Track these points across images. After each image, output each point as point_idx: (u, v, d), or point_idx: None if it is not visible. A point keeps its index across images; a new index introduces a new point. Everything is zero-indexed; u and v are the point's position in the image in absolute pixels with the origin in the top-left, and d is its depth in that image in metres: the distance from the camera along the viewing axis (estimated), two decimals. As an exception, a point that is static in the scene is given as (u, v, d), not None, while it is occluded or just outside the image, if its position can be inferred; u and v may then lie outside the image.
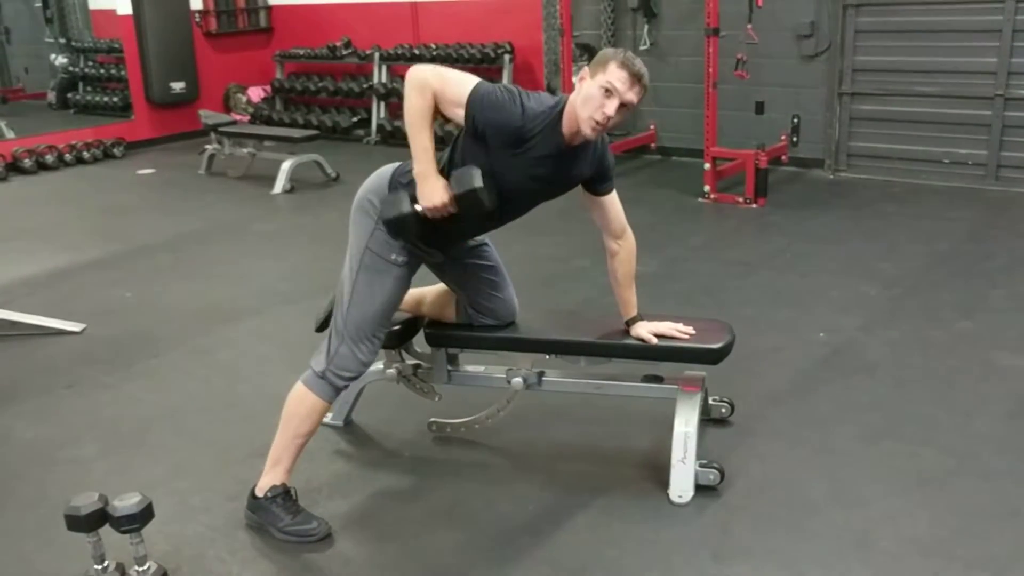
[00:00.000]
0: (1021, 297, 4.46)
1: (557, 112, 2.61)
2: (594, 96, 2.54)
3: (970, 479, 2.94)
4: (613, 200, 2.84)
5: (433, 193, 2.59)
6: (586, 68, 2.61)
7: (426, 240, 2.76)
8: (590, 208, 2.87)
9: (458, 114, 2.57)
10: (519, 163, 2.62)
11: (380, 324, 2.77)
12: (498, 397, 3.21)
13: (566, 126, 2.61)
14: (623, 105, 2.55)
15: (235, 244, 6.16)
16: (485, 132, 2.57)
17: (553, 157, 2.63)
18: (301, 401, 2.79)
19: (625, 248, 2.89)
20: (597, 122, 2.55)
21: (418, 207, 2.61)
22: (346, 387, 2.85)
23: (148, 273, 5.52)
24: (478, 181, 2.56)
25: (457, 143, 2.68)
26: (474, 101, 2.54)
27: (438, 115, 2.62)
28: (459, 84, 2.57)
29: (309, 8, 10.37)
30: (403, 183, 2.72)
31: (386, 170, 2.80)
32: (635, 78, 2.56)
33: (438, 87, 2.57)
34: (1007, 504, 2.80)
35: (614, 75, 2.54)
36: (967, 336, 4.04)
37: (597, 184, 2.80)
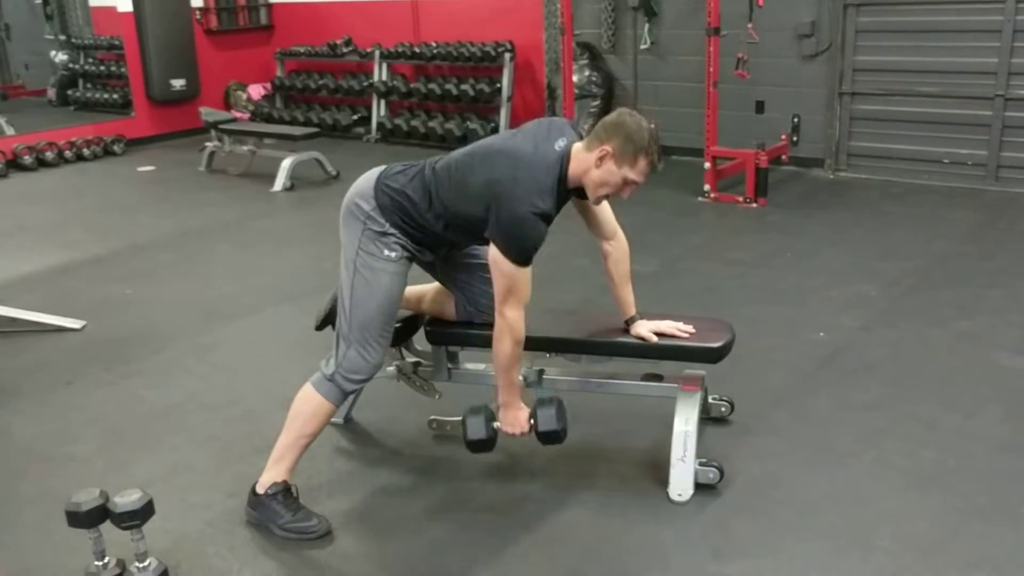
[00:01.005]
0: (1020, 297, 4.46)
1: (560, 171, 2.64)
2: (614, 183, 2.64)
3: (969, 479, 2.95)
4: (603, 204, 2.86)
5: (516, 424, 2.84)
6: (608, 146, 2.59)
7: (417, 242, 2.78)
8: (580, 212, 2.90)
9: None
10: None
11: (384, 323, 2.78)
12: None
13: (571, 180, 2.67)
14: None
15: (235, 242, 6.16)
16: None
17: (561, 203, 2.72)
18: (308, 402, 2.80)
19: (618, 249, 2.92)
20: (607, 198, 2.71)
21: (497, 425, 2.86)
22: (355, 390, 2.86)
23: (148, 270, 5.52)
24: (560, 425, 2.80)
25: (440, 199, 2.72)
26: (524, 258, 2.62)
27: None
28: (515, 277, 2.63)
29: (310, 6, 10.37)
30: (388, 190, 2.74)
31: (371, 174, 2.83)
32: (655, 169, 2.68)
33: (520, 303, 2.67)
34: (1006, 504, 2.81)
35: (642, 172, 2.63)
36: (967, 336, 4.05)
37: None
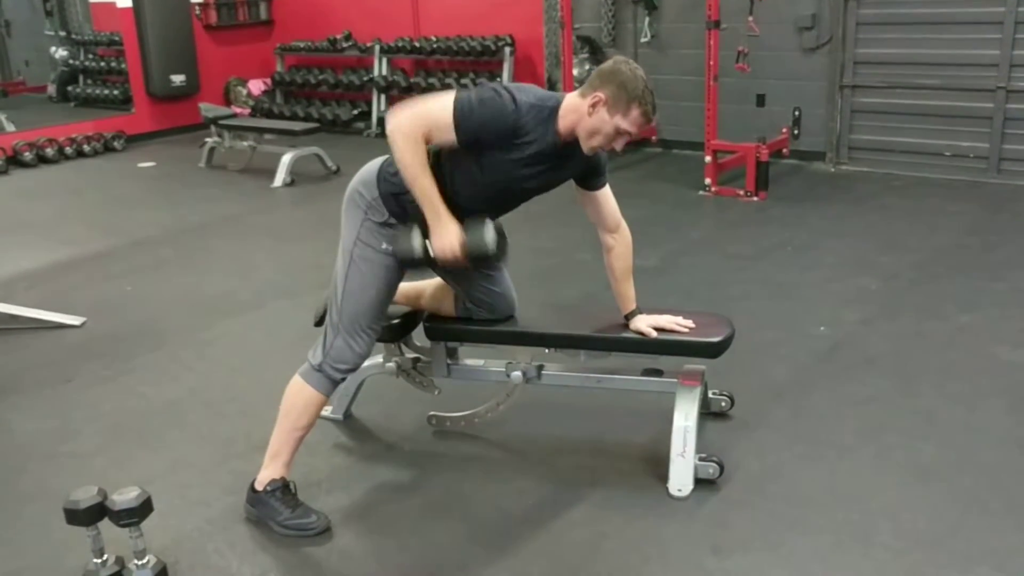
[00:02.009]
0: (1022, 291, 4.45)
1: (551, 108, 2.58)
2: (607, 133, 2.57)
3: (970, 473, 2.94)
4: (607, 195, 2.84)
5: (445, 239, 2.59)
6: (601, 92, 2.53)
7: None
8: (584, 204, 2.86)
9: (451, 137, 2.52)
10: (514, 161, 2.60)
11: (375, 316, 2.77)
12: (498, 391, 3.21)
13: (563, 128, 2.59)
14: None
15: (235, 237, 6.16)
16: (479, 136, 2.53)
17: (548, 154, 2.62)
18: (298, 394, 2.79)
19: (621, 242, 2.89)
20: (601, 148, 2.62)
21: (430, 247, 2.62)
22: (343, 380, 2.84)
23: (148, 266, 5.52)
24: (490, 235, 2.60)
25: (446, 154, 2.64)
26: (462, 109, 2.49)
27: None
28: (442, 108, 2.50)
29: (310, 1, 10.36)
30: (390, 178, 2.71)
31: (374, 163, 2.80)
32: (650, 120, 2.58)
33: (424, 123, 2.51)
34: (1008, 497, 2.80)
35: (635, 123, 2.56)
36: (968, 330, 4.04)
37: (590, 179, 2.79)
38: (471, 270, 2.79)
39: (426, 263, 2.67)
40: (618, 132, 2.57)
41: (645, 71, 2.60)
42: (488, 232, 2.61)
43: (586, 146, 2.61)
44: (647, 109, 2.55)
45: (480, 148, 2.57)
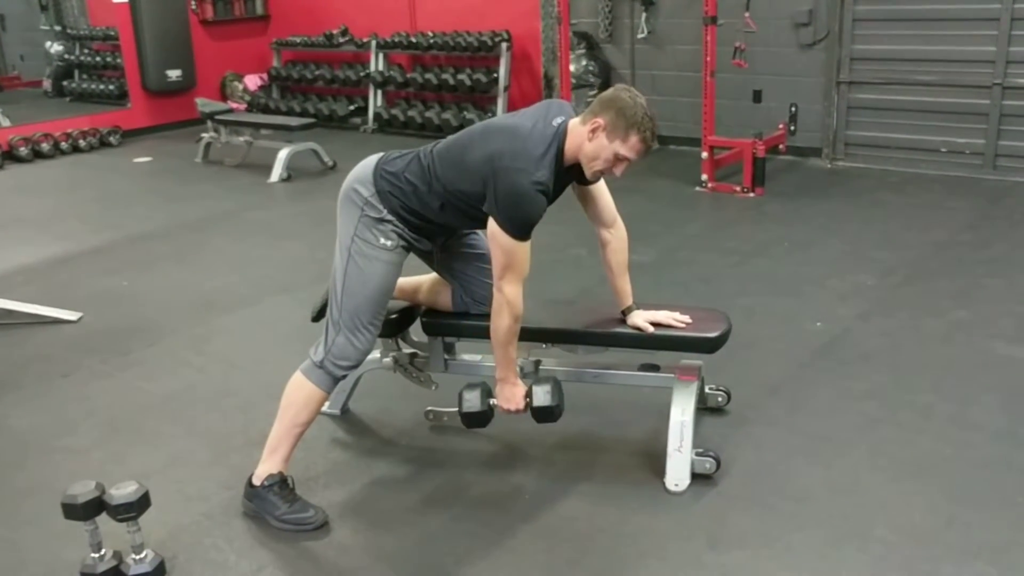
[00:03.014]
0: (1018, 286, 4.46)
1: (558, 145, 2.62)
2: (606, 158, 2.61)
3: (966, 467, 2.95)
4: (602, 190, 2.85)
5: (512, 400, 2.83)
6: (601, 119, 2.57)
7: (414, 230, 2.77)
8: (580, 199, 2.88)
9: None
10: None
11: (375, 312, 2.77)
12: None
13: (567, 154, 2.64)
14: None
15: (232, 233, 6.15)
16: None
17: (557, 182, 2.66)
18: (299, 390, 2.79)
19: (617, 237, 2.90)
20: (602, 174, 2.68)
21: (493, 402, 2.86)
22: (345, 376, 2.85)
23: (145, 262, 5.52)
24: (555, 401, 2.81)
25: (444, 189, 2.70)
26: (522, 233, 2.60)
27: None
28: (520, 252, 2.62)
29: (306, -4, 10.34)
30: (387, 176, 2.74)
31: (370, 160, 2.82)
32: (649, 147, 2.63)
33: (520, 279, 2.66)
34: (1003, 492, 2.81)
35: (634, 149, 2.59)
36: (964, 325, 4.05)
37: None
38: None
39: (489, 418, 2.90)
40: (617, 158, 2.61)
41: (645, 98, 2.63)
42: (551, 392, 2.82)
43: (588, 171, 2.67)
44: (646, 136, 2.59)
45: None
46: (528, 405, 2.84)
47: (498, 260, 2.64)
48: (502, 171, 2.56)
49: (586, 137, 2.59)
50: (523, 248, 2.62)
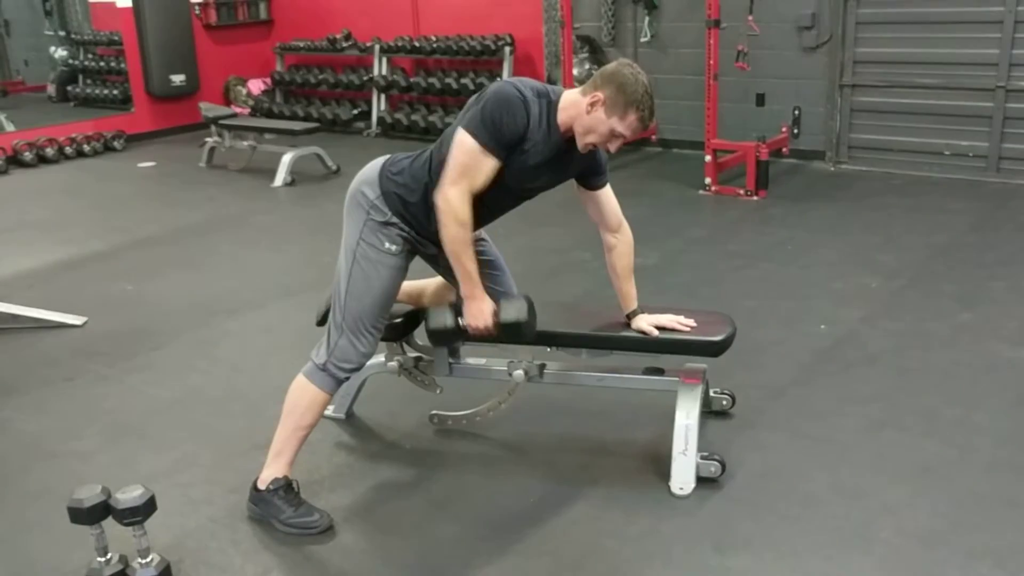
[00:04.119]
0: (1022, 289, 4.45)
1: (549, 100, 2.60)
2: (602, 133, 2.58)
3: (971, 470, 2.95)
4: (608, 194, 2.84)
5: (480, 316, 2.70)
6: (601, 92, 2.54)
7: (420, 232, 2.77)
8: (585, 203, 2.87)
9: (492, 163, 2.56)
10: (518, 162, 2.61)
11: (378, 315, 2.77)
12: (499, 389, 3.22)
13: (562, 121, 2.61)
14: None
15: (236, 237, 6.16)
16: (509, 139, 2.56)
17: (549, 147, 2.63)
18: (302, 393, 2.79)
19: (622, 241, 2.89)
20: (595, 147, 2.64)
21: (462, 322, 2.74)
22: (347, 379, 2.85)
23: (149, 266, 5.52)
24: (524, 314, 2.70)
25: (442, 144, 2.67)
26: (479, 132, 2.52)
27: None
28: (466, 152, 2.53)
29: (309, 0, 10.35)
30: (392, 176, 2.73)
31: (377, 162, 2.81)
32: (646, 126, 2.61)
33: (467, 184, 2.55)
34: (1008, 495, 2.81)
35: (631, 127, 2.57)
36: (968, 328, 4.04)
37: (591, 179, 2.79)
38: (502, 340, 2.82)
39: (457, 335, 2.79)
40: (613, 134, 2.58)
41: (647, 75, 2.60)
42: (520, 307, 2.71)
43: (581, 143, 2.62)
44: (644, 115, 2.56)
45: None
46: (497, 323, 2.71)
47: (456, 161, 2.54)
48: (492, 87, 2.58)
49: (584, 109, 2.56)
50: (488, 161, 2.54)
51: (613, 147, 2.63)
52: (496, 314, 2.71)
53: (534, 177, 2.68)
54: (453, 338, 2.81)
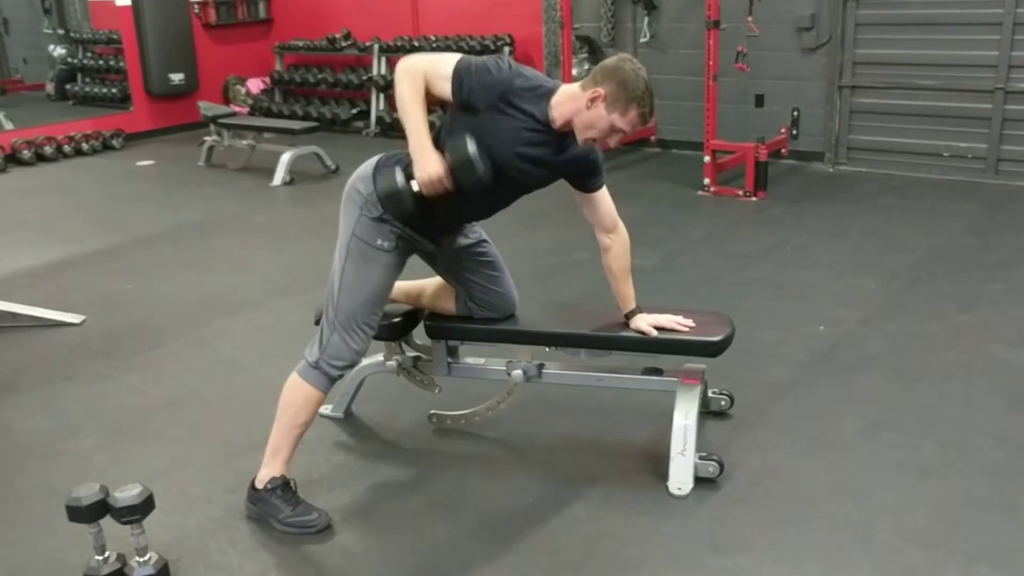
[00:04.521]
0: (1020, 290, 4.46)
1: (547, 89, 2.61)
2: (602, 128, 2.57)
3: (970, 472, 2.95)
4: (603, 196, 2.84)
5: (427, 165, 2.57)
6: (602, 88, 2.53)
7: (416, 225, 2.76)
8: (581, 205, 2.86)
9: (447, 88, 2.57)
10: (507, 128, 2.59)
11: (371, 313, 2.77)
12: (498, 389, 3.22)
13: (560, 115, 2.60)
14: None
15: (235, 236, 6.16)
16: (471, 96, 2.55)
17: (543, 135, 2.61)
18: (296, 391, 2.79)
19: (618, 243, 2.88)
20: (595, 141, 2.63)
21: (414, 183, 2.60)
22: (340, 376, 2.84)
23: (148, 265, 5.52)
24: (472, 147, 2.54)
25: (443, 124, 2.68)
26: (462, 68, 2.56)
27: (431, 103, 2.62)
28: (447, 59, 2.60)
29: (308, -1, 10.36)
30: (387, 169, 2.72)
31: (372, 161, 2.82)
32: (646, 122, 2.61)
33: (427, 67, 2.59)
34: (1007, 496, 2.81)
35: (631, 122, 2.57)
36: (967, 329, 4.04)
37: (586, 180, 2.78)
38: (454, 199, 2.67)
39: (410, 199, 2.62)
40: (613, 129, 2.57)
41: (647, 71, 2.60)
42: (463, 144, 2.55)
43: (580, 138, 2.62)
44: (644, 111, 2.56)
45: (476, 114, 2.57)
46: (448, 168, 2.57)
47: (431, 54, 2.66)
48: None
49: (584, 104, 2.55)
50: (447, 81, 2.56)
51: (613, 142, 2.64)
52: (445, 159, 2.58)
53: (527, 160, 2.64)
54: (407, 200, 2.63)
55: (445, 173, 2.57)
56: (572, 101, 2.58)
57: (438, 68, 2.58)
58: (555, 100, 2.60)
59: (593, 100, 2.54)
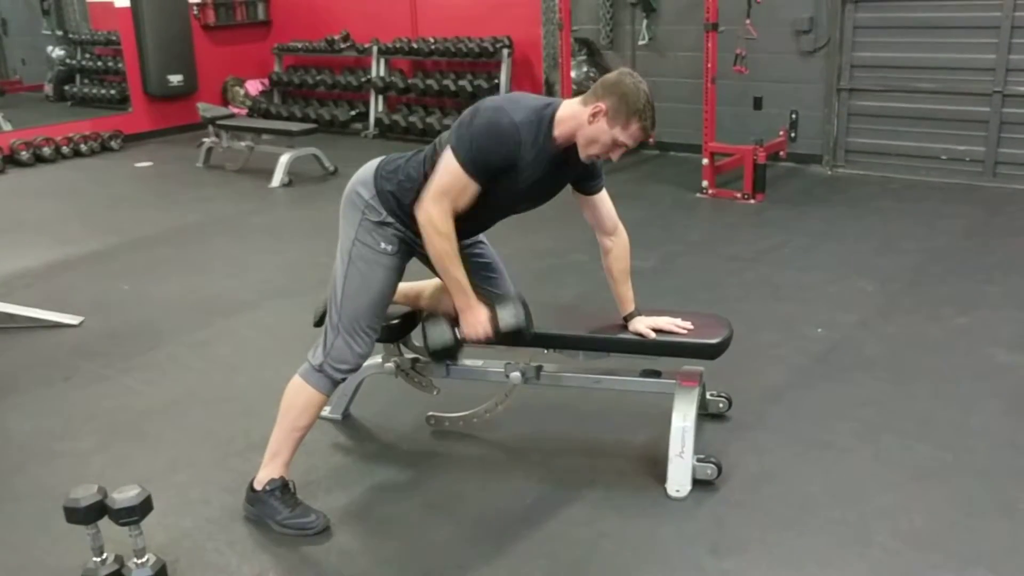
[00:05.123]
0: (1017, 294, 4.47)
1: (547, 117, 2.59)
2: (604, 143, 2.58)
3: (966, 474, 2.95)
4: (604, 198, 2.85)
5: (477, 326, 2.71)
6: (603, 103, 2.53)
7: (416, 232, 2.76)
8: (581, 207, 2.88)
9: (474, 189, 2.57)
10: (514, 180, 2.62)
11: (374, 316, 2.77)
12: (496, 391, 3.22)
13: (560, 133, 2.61)
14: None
15: (233, 237, 6.16)
16: (491, 169, 2.56)
17: (544, 164, 2.63)
18: (298, 394, 2.79)
19: (619, 245, 2.90)
20: (598, 156, 2.64)
21: (459, 334, 2.75)
22: (344, 380, 2.85)
23: (146, 266, 5.52)
24: (521, 316, 2.71)
25: (437, 147, 2.67)
26: (465, 158, 2.53)
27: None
28: (450, 173, 2.55)
29: (308, 1, 10.35)
30: (387, 175, 2.74)
31: (372, 163, 2.82)
32: (648, 135, 2.63)
33: (449, 203, 2.57)
34: (1003, 499, 2.81)
35: (633, 137, 2.58)
36: (964, 332, 4.05)
37: (587, 183, 2.80)
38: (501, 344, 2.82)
39: (457, 349, 2.82)
40: (615, 143, 2.59)
41: (647, 84, 2.61)
42: (516, 312, 2.72)
43: (583, 153, 2.63)
44: (646, 124, 2.57)
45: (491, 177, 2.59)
46: (496, 330, 2.71)
47: (439, 180, 2.56)
48: (485, 108, 2.57)
49: (586, 120, 2.56)
50: (470, 185, 2.55)
51: (615, 156, 2.65)
52: (494, 320, 2.72)
53: (525, 197, 2.72)
54: (454, 353, 2.83)
55: (493, 333, 2.71)
56: (573, 118, 2.59)
57: (450, 186, 2.55)
58: (558, 117, 2.61)
59: (595, 115, 2.56)
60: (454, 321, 2.78)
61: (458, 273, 2.66)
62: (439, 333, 2.77)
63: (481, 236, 3.00)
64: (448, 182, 2.56)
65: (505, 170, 2.57)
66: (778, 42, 7.13)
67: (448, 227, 2.58)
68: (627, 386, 3.12)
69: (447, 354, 2.82)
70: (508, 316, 2.70)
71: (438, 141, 2.71)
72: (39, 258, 5.71)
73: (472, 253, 2.97)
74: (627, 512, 2.83)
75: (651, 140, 7.90)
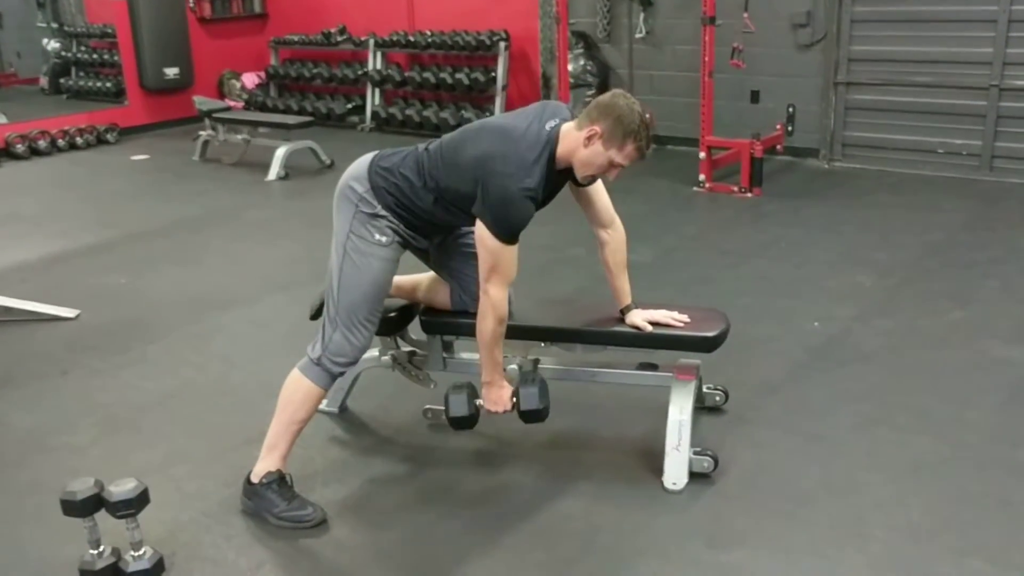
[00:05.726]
0: (1014, 288, 4.47)
1: (550, 150, 2.62)
2: (600, 164, 2.62)
3: (963, 468, 2.96)
4: (600, 190, 2.86)
5: (499, 401, 2.83)
6: (598, 126, 2.56)
7: (410, 227, 2.78)
8: (578, 200, 2.89)
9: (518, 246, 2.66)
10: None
11: (372, 308, 2.77)
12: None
13: (560, 158, 2.65)
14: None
15: (229, 231, 6.15)
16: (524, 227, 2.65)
17: (554, 182, 2.70)
18: (297, 388, 2.79)
19: (615, 237, 2.91)
20: (594, 178, 2.71)
21: (479, 403, 2.87)
22: (342, 373, 2.85)
23: (142, 259, 5.51)
24: (543, 404, 2.83)
25: (446, 197, 2.71)
26: (506, 234, 2.60)
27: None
28: (502, 255, 2.62)
29: (304, -6, 10.34)
30: (381, 171, 2.75)
31: (365, 158, 2.83)
32: (643, 156, 2.65)
33: (505, 280, 2.66)
34: (999, 492, 2.82)
35: (629, 158, 2.61)
36: (961, 326, 4.06)
37: None
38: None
39: (476, 420, 2.90)
40: (611, 164, 2.62)
41: (641, 104, 2.64)
42: (537, 395, 2.82)
43: (580, 175, 2.69)
44: (641, 145, 2.60)
45: None
46: (515, 406, 2.84)
47: (485, 262, 2.64)
48: (493, 175, 2.57)
49: (581, 143, 2.60)
50: (510, 251, 2.63)
51: (612, 176, 2.69)
52: (515, 401, 2.83)
53: (545, 201, 2.75)
54: (473, 424, 2.90)
55: (512, 408, 2.84)
56: (570, 142, 2.62)
57: (505, 264, 2.63)
58: (559, 153, 2.64)
59: (590, 138, 2.58)
60: (476, 391, 2.88)
61: (498, 354, 2.78)
62: (460, 404, 2.85)
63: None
64: (494, 262, 2.63)
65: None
66: (775, 36, 7.12)
67: (505, 312, 2.69)
68: (624, 379, 3.13)
69: (466, 424, 2.89)
70: (531, 398, 2.81)
71: (429, 146, 2.76)
72: (35, 251, 5.70)
73: (462, 242, 2.97)
74: (624, 505, 2.83)
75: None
